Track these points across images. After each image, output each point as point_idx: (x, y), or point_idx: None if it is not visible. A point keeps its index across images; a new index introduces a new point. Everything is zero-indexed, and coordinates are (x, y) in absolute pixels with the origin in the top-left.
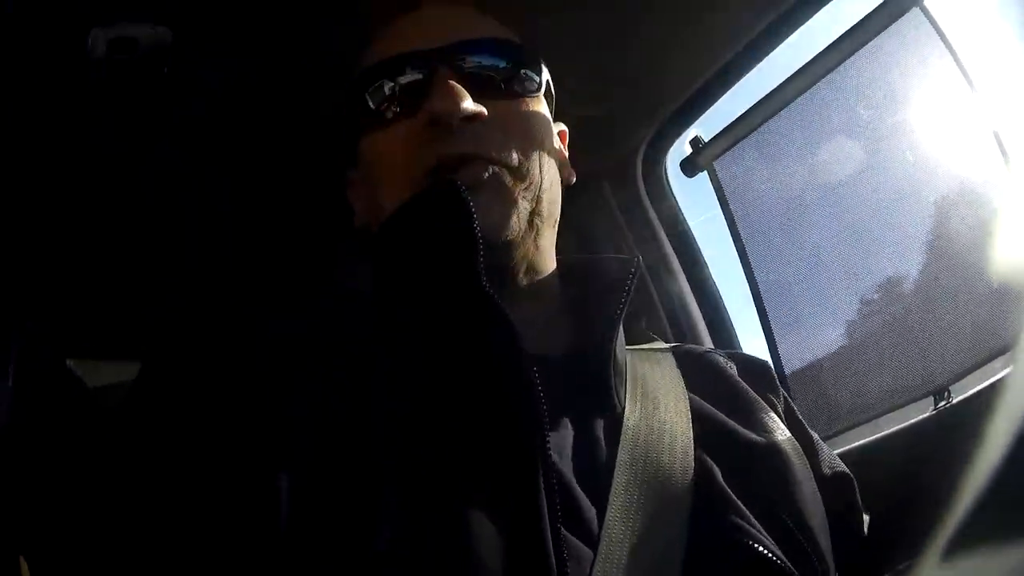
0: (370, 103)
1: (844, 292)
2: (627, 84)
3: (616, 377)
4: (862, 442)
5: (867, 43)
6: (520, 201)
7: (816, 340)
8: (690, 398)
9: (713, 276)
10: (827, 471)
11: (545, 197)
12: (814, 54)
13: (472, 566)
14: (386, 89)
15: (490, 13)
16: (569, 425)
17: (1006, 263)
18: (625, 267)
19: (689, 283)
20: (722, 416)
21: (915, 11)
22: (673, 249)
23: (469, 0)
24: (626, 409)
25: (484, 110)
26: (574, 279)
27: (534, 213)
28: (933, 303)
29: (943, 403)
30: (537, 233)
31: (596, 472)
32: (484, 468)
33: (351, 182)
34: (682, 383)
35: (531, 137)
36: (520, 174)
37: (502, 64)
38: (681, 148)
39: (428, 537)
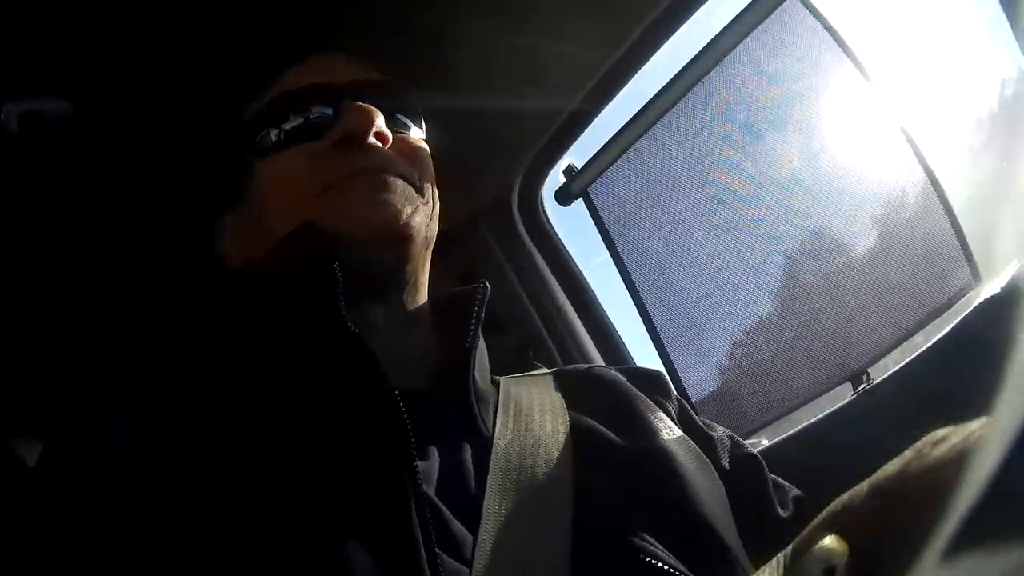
0: (271, 136)
1: (738, 295)
2: (495, 121)
3: (480, 404)
4: (781, 437)
5: (739, 43)
6: (421, 210)
7: (716, 347)
8: (570, 415)
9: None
10: (729, 461)
11: (434, 225)
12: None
13: None
14: (291, 119)
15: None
16: (438, 454)
17: (914, 236)
18: (471, 297)
19: (576, 309)
20: (603, 428)
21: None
22: (557, 280)
23: (342, 54)
24: (496, 432)
25: (390, 133)
26: (439, 312)
27: (428, 234)
28: (838, 290)
29: (863, 386)
30: (423, 257)
31: (468, 496)
32: (359, 503)
33: (224, 229)
34: (561, 401)
35: (426, 167)
36: (421, 192)
37: (394, 103)
38: (557, 178)
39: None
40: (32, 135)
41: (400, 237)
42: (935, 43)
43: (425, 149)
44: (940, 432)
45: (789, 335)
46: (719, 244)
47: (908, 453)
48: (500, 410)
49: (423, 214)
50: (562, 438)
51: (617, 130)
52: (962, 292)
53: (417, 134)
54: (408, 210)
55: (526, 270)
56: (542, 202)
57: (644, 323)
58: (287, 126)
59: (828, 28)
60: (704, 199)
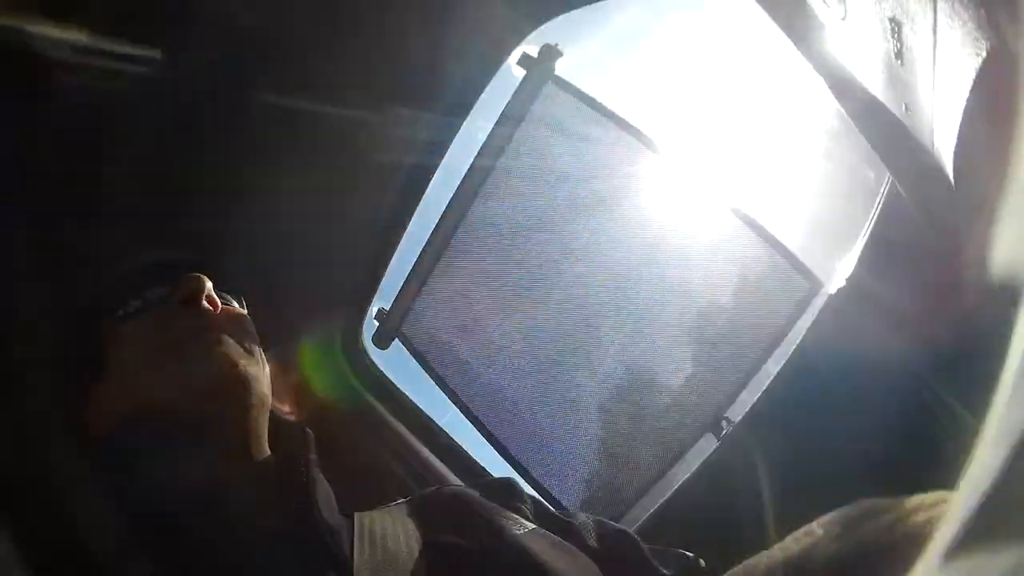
0: (131, 305)
1: (574, 383)
2: (304, 284)
3: (331, 536)
4: (657, 505)
5: (507, 145)
6: (255, 365)
7: (565, 437)
8: (422, 532)
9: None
10: (597, 541)
11: (267, 384)
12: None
13: None
14: (142, 290)
15: None
16: None
17: (738, 271)
18: (299, 442)
19: (423, 443)
20: (455, 538)
21: (548, 85)
22: (392, 415)
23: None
24: (354, 556)
25: (219, 301)
26: (280, 460)
27: (264, 389)
28: (675, 348)
29: (724, 431)
30: (263, 413)
31: None
32: None
33: (93, 397)
34: (413, 523)
35: (252, 333)
36: (252, 353)
37: (219, 289)
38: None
39: None
40: None
41: (240, 382)
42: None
43: (248, 318)
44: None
45: (636, 404)
46: (540, 341)
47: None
48: (356, 539)
49: (257, 368)
50: (416, 554)
51: (413, 265)
52: (804, 302)
53: (239, 306)
54: (243, 361)
55: (370, 422)
56: (368, 353)
57: (484, 437)
58: (146, 295)
59: (589, 101)
60: (514, 302)
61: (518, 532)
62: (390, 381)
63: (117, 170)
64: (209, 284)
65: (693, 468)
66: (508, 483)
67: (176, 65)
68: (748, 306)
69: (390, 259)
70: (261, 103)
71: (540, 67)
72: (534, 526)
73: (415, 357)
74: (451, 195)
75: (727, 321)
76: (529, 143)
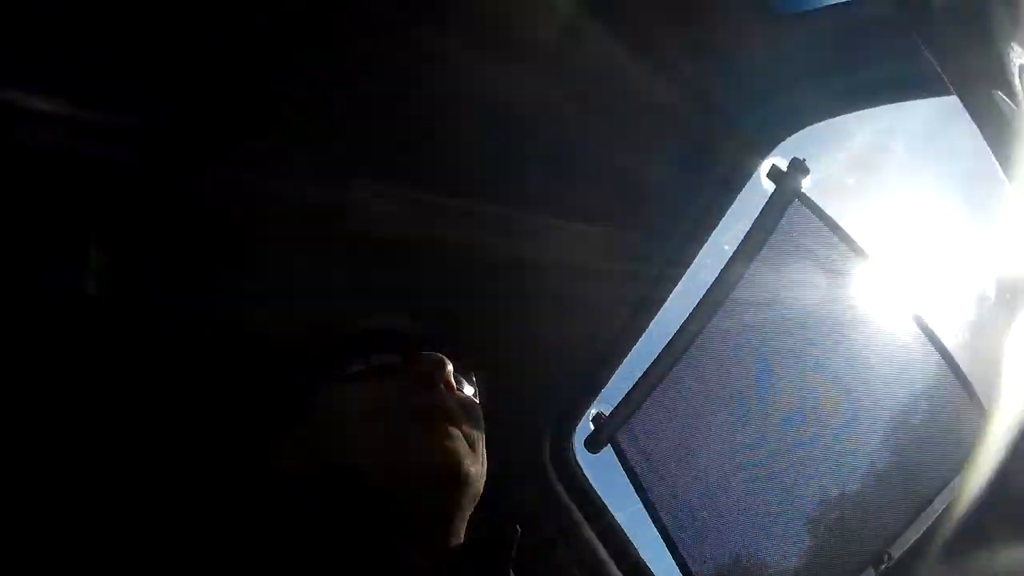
0: (358, 364)
1: (763, 513)
2: (529, 376)
3: None
4: None
5: (746, 270)
6: (474, 467)
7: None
8: None
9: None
10: None
11: (482, 481)
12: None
13: None
14: (373, 357)
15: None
16: None
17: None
18: (507, 539)
19: (604, 546)
20: None
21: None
22: (584, 517)
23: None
24: None
25: (455, 384)
26: (472, 554)
27: (478, 487)
28: (848, 489)
29: (884, 566)
30: (469, 508)
31: None
32: None
33: (287, 439)
34: None
35: (480, 425)
36: (474, 449)
37: (457, 371)
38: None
39: None
40: None
41: (459, 482)
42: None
43: (479, 408)
44: None
45: (811, 540)
46: (743, 470)
47: None
48: None
49: (477, 467)
50: None
51: (641, 375)
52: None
53: (471, 392)
54: (468, 461)
55: (563, 525)
56: (575, 454)
57: (669, 550)
58: (375, 360)
59: (829, 223)
60: (725, 423)
61: None
62: (591, 487)
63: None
64: (451, 367)
65: None
66: None
67: None
68: (926, 438)
69: (617, 367)
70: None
71: (788, 182)
72: None
73: (624, 467)
74: (689, 311)
75: (904, 452)
76: (771, 262)
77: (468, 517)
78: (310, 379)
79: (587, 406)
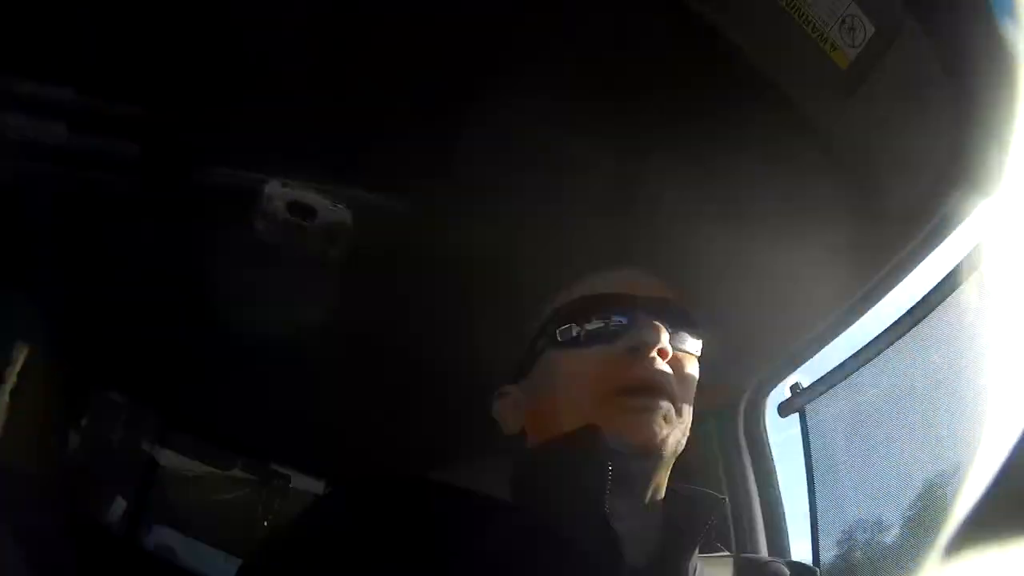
0: (572, 331)
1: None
2: (748, 331)
3: None
4: None
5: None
6: (676, 431)
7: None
8: None
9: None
10: None
11: (683, 441)
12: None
13: None
14: (592, 321)
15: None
16: None
17: None
18: (710, 505)
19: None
20: None
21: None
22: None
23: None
24: None
25: (671, 350)
26: (674, 504)
27: (676, 450)
28: None
29: None
30: (668, 467)
31: None
32: None
33: (506, 395)
34: None
35: (691, 391)
36: (680, 414)
37: (682, 326)
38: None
39: None
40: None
41: (653, 456)
42: None
43: (695, 375)
44: None
45: None
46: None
47: None
48: None
49: (676, 434)
50: None
51: (845, 358)
52: None
53: (693, 348)
54: (665, 432)
55: (735, 476)
56: (764, 414)
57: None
58: (589, 326)
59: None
60: (906, 436)
61: None
62: (770, 451)
63: None
64: (666, 336)
65: None
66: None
67: None
68: None
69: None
70: None
71: None
72: None
73: (803, 437)
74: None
75: None
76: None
77: (668, 472)
78: (532, 342)
79: (790, 371)
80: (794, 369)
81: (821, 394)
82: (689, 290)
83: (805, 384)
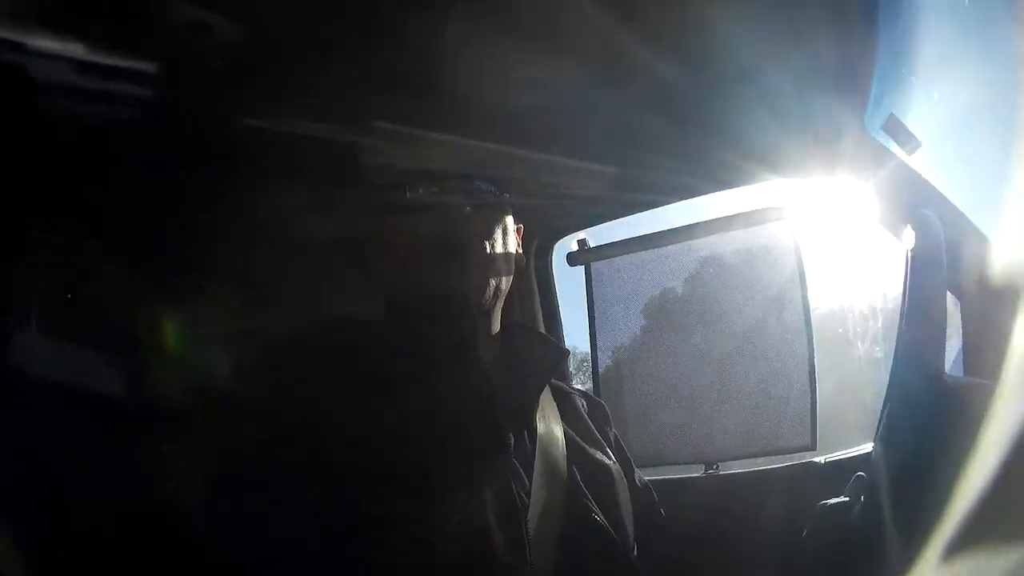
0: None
1: (662, 376)
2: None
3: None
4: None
5: (739, 229)
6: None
7: (634, 398)
8: (563, 425)
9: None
10: (637, 484)
11: (505, 281)
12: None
13: (477, 526)
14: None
15: None
16: (513, 438)
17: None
18: (556, 354)
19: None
20: (581, 441)
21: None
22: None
23: None
24: (538, 428)
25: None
26: (514, 338)
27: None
28: (725, 402)
29: (711, 471)
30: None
31: (528, 462)
32: (473, 468)
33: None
34: (558, 412)
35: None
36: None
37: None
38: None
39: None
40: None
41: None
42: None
43: (505, 225)
44: None
45: (685, 416)
46: (664, 341)
47: None
48: (539, 413)
49: (494, 280)
50: (562, 442)
51: (629, 238)
52: (800, 449)
53: (498, 208)
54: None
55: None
56: (551, 258)
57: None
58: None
59: (800, 262)
60: (662, 312)
61: (611, 463)
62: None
63: None
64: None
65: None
66: (604, 409)
67: None
68: (770, 414)
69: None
70: None
71: None
72: (615, 460)
73: (587, 288)
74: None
75: (755, 411)
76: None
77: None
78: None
79: (578, 228)
80: (581, 228)
81: (604, 259)
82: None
83: (591, 244)
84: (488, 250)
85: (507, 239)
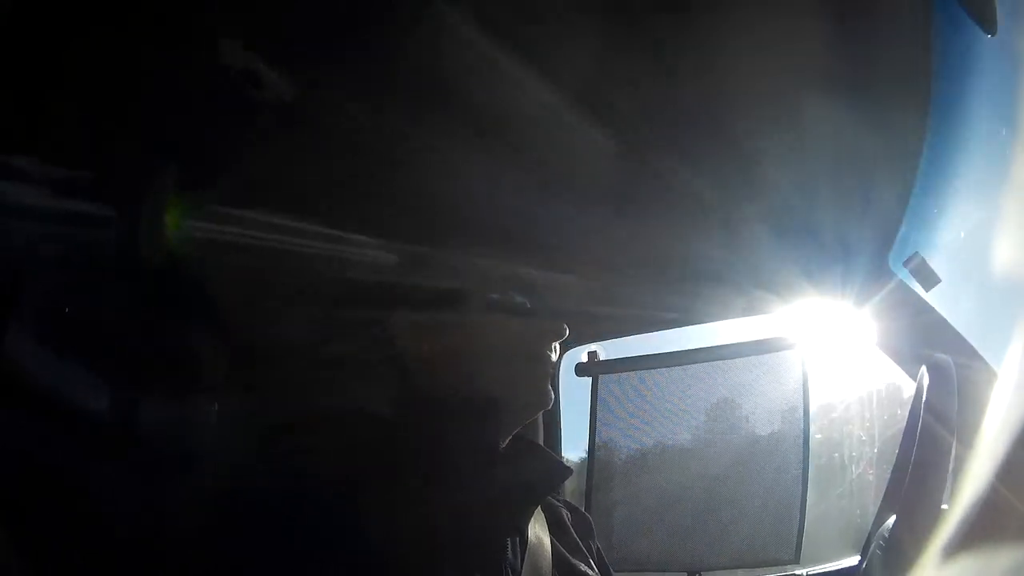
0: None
1: (655, 486)
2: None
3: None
4: None
5: (748, 356)
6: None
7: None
8: (550, 536)
9: None
10: None
11: None
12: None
13: None
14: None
15: None
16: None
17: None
18: (562, 475)
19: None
20: (566, 553)
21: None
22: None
23: None
24: (529, 537)
25: None
26: (519, 452)
27: None
28: (712, 514)
29: None
30: None
31: (516, 570)
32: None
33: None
34: (545, 522)
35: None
36: None
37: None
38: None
39: None
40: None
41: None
42: None
43: None
44: None
45: (668, 529)
46: (661, 454)
47: None
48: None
49: None
50: (549, 552)
51: (637, 356)
52: (784, 562)
53: None
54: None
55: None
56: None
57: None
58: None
59: (805, 389)
60: (663, 427)
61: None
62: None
63: None
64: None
65: None
66: (589, 523)
67: None
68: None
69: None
70: None
71: None
72: (596, 572)
73: (591, 400)
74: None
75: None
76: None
77: None
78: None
79: (591, 340)
80: (595, 340)
81: (612, 372)
82: None
83: (601, 356)
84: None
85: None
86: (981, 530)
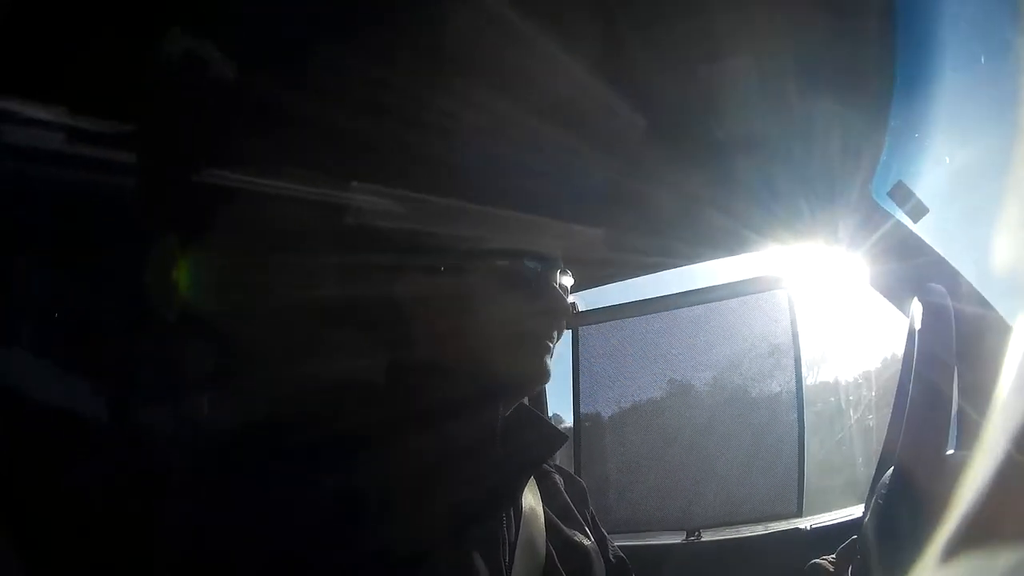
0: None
1: (645, 442)
2: None
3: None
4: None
5: (733, 298)
6: None
7: (616, 464)
8: (541, 499)
9: None
10: (612, 560)
11: None
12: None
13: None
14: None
15: None
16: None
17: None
18: (557, 441)
19: None
20: (559, 521)
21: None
22: None
23: None
24: (523, 506)
25: None
26: (519, 416)
27: None
28: (709, 469)
29: (692, 538)
30: None
31: (512, 527)
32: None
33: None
34: (538, 491)
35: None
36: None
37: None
38: None
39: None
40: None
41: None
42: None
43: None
44: None
45: (668, 483)
46: (649, 407)
47: None
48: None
49: None
50: (542, 521)
51: (617, 304)
52: (786, 516)
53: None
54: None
55: None
56: None
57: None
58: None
59: (795, 331)
60: (649, 378)
61: (587, 543)
62: None
63: None
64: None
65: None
66: (583, 488)
67: None
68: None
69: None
70: None
71: None
72: (592, 540)
73: (573, 352)
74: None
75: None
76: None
77: None
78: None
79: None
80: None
81: (594, 323)
82: None
83: (580, 308)
84: None
85: None
86: (981, 530)
